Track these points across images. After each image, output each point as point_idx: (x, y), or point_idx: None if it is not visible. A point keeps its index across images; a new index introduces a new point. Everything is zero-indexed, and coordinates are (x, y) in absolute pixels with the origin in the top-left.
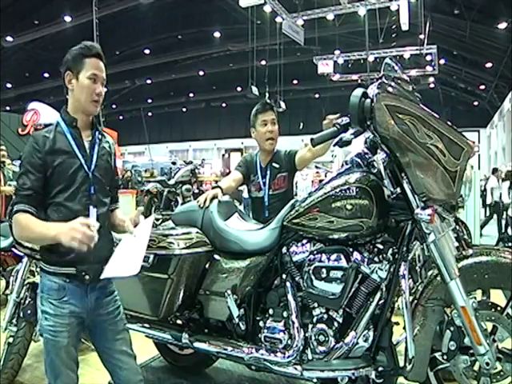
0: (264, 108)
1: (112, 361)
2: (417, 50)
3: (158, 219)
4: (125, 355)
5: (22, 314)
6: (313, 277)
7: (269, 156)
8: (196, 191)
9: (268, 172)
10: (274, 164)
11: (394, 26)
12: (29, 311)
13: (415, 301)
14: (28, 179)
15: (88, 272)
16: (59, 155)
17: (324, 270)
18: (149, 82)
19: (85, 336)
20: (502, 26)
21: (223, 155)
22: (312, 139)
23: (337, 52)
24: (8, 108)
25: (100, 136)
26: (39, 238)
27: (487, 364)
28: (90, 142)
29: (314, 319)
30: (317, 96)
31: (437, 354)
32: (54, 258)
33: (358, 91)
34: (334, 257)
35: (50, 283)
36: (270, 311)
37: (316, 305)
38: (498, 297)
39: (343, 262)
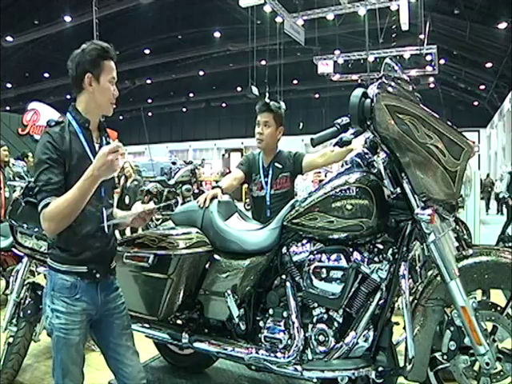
0: (259, 109)
1: (117, 357)
2: (417, 49)
3: (158, 219)
4: (130, 351)
5: (22, 314)
6: (313, 277)
7: (271, 155)
8: (196, 191)
9: (270, 171)
10: (277, 164)
11: (394, 26)
12: (29, 311)
13: (415, 301)
14: (53, 174)
15: (98, 270)
16: (75, 156)
17: (324, 270)
18: (149, 82)
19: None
20: (502, 26)
21: (223, 155)
22: (312, 139)
23: (337, 52)
24: (8, 108)
25: (107, 139)
26: (79, 197)
27: (487, 364)
28: (99, 145)
29: (314, 319)
30: (317, 96)
31: (437, 354)
32: (66, 256)
33: (358, 91)
34: (333, 257)
35: (62, 281)
36: (270, 311)
37: (316, 305)
38: (498, 297)
39: (343, 262)
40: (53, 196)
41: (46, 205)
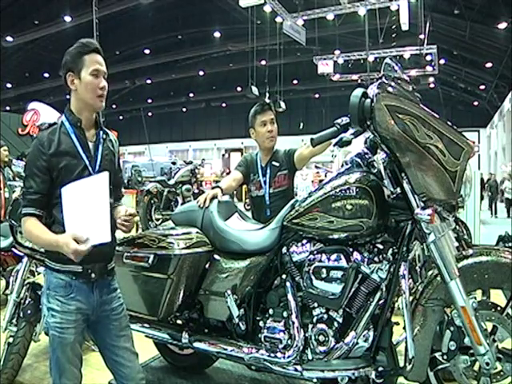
0: (262, 109)
1: (115, 358)
2: (417, 49)
3: (158, 219)
4: (128, 352)
5: (22, 314)
6: (313, 277)
7: (268, 155)
8: (196, 191)
9: (268, 170)
10: (274, 163)
11: (393, 26)
12: (29, 311)
13: (415, 301)
14: (34, 182)
15: (94, 270)
16: (64, 157)
17: (324, 270)
18: (149, 82)
19: (86, 335)
20: (502, 26)
21: (223, 155)
22: (312, 139)
23: (337, 52)
24: (8, 108)
25: (104, 136)
26: (46, 243)
27: (487, 364)
28: (94, 143)
29: (314, 319)
30: (317, 96)
31: (437, 354)
32: (61, 256)
33: (358, 91)
34: (334, 257)
35: (57, 280)
36: (270, 311)
37: (316, 305)
38: (498, 297)
39: (343, 262)
40: (32, 207)
41: (25, 214)
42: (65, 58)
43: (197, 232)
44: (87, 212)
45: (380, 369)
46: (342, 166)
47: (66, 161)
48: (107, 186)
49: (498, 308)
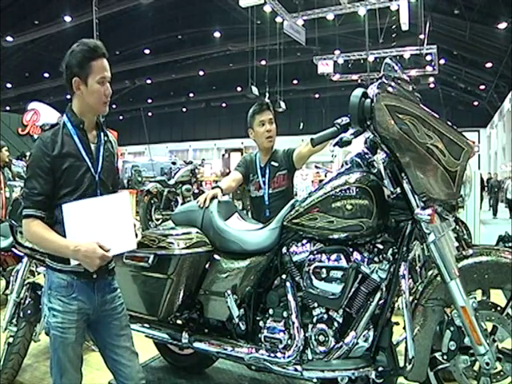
0: (261, 108)
1: (115, 357)
2: (417, 49)
3: (158, 219)
4: (128, 352)
5: (22, 314)
6: (313, 277)
7: (267, 155)
8: (196, 191)
9: (267, 171)
10: (273, 163)
11: (393, 26)
12: (29, 311)
13: (415, 301)
14: (38, 183)
15: (95, 270)
16: (67, 159)
17: (324, 270)
18: (149, 82)
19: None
20: (502, 26)
21: (223, 155)
22: (312, 139)
23: (337, 52)
24: (8, 108)
25: (105, 137)
26: (53, 252)
27: (487, 364)
28: (95, 145)
29: (314, 319)
30: (317, 96)
31: (437, 354)
32: (62, 256)
33: (358, 91)
34: (333, 257)
35: (59, 280)
36: (270, 311)
37: (316, 305)
38: (498, 297)
39: (343, 262)
40: (34, 209)
41: (28, 215)
42: (69, 58)
43: (197, 232)
44: (108, 225)
45: (380, 369)
46: (342, 165)
47: (69, 162)
48: (129, 203)
49: (498, 308)
